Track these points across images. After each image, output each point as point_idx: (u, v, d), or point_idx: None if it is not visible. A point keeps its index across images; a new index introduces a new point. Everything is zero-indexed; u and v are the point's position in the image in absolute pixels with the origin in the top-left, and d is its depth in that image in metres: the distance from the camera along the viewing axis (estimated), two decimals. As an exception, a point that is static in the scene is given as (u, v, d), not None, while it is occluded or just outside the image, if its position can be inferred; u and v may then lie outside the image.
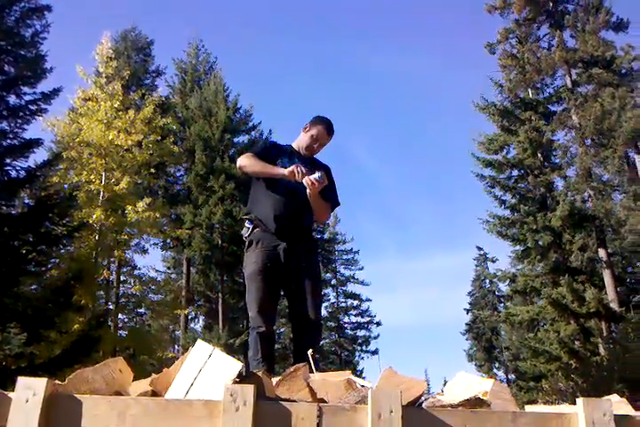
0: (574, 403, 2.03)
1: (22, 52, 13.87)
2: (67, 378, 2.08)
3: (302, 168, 3.61)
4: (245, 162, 3.85)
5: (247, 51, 70.09)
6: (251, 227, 3.75)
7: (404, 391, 1.93)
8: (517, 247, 20.91)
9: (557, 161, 20.93)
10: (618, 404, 2.09)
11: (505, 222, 20.53)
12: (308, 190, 3.64)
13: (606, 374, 16.24)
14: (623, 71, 20.04)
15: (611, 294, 18.16)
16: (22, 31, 13.97)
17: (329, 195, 3.90)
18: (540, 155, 20.55)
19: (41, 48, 14.10)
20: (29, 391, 1.87)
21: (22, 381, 1.89)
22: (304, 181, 3.57)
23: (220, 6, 65.80)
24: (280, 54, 77.06)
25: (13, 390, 1.93)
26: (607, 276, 18.57)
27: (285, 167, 3.71)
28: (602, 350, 17.86)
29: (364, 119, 79.34)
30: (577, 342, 18.14)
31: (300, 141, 3.99)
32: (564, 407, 2.21)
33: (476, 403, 2.07)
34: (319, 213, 3.90)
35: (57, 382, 2.06)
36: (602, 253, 18.89)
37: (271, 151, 3.93)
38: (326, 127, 3.95)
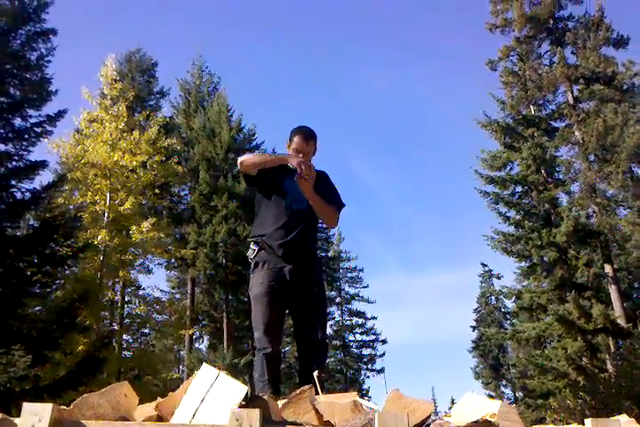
0: (583, 422, 2.01)
1: (28, 75, 14.02)
2: (72, 403, 2.07)
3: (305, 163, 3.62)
4: (245, 156, 3.87)
5: (249, 68, 70.70)
6: (256, 249, 3.75)
7: (410, 414, 1.92)
8: (523, 263, 20.87)
9: (561, 177, 20.94)
10: (626, 424, 2.07)
11: (510, 239, 20.48)
12: (299, 182, 3.62)
13: (614, 391, 16.07)
14: (625, 87, 20.11)
15: (617, 309, 18.05)
16: (28, 54, 14.13)
17: (332, 198, 3.88)
18: (543, 171, 20.57)
19: (46, 71, 14.26)
20: (35, 417, 1.86)
21: (28, 406, 1.89)
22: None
23: (221, 24, 66.46)
24: (280, 72, 77.63)
25: (18, 414, 1.92)
26: (613, 291, 18.47)
27: (288, 190, 3.74)
28: (609, 367, 17.71)
29: (366, 136, 79.71)
30: (584, 359, 17.99)
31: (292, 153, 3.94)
32: (572, 428, 2.19)
33: (484, 425, 2.05)
34: (327, 219, 3.90)
35: (62, 407, 2.05)
36: (608, 268, 18.81)
37: (269, 175, 3.87)
38: (301, 136, 3.87)
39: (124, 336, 19.92)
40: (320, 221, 4.02)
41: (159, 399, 2.26)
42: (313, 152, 3.96)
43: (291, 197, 3.78)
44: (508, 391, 36.97)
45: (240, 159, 3.87)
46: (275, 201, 3.81)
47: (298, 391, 2.16)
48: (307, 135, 3.91)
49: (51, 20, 15.61)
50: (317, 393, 2.65)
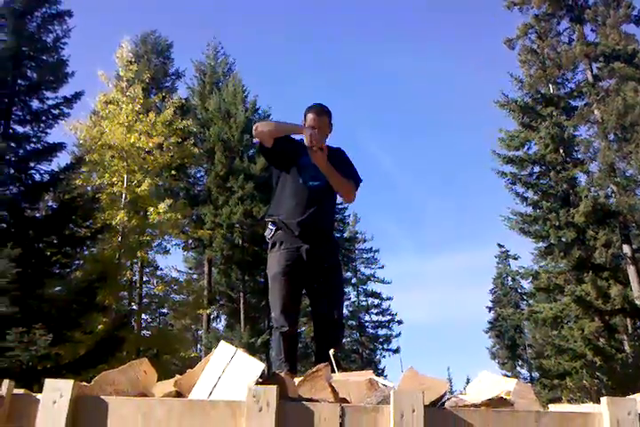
0: (599, 401, 2.02)
1: (44, 58, 14.06)
2: (92, 380, 2.11)
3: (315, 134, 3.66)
4: (260, 123, 3.87)
5: (264, 51, 70.24)
6: (274, 229, 3.76)
7: (426, 391, 1.93)
8: (540, 244, 20.73)
9: (580, 156, 20.69)
10: (643, 403, 2.06)
11: (527, 219, 20.34)
12: (312, 155, 3.66)
13: (631, 371, 16.05)
14: (645, 65, 19.74)
15: (635, 290, 17.93)
16: (44, 37, 14.18)
17: (348, 172, 3.88)
18: (561, 150, 20.33)
19: (62, 53, 14.30)
20: (56, 393, 1.90)
21: (49, 383, 1.93)
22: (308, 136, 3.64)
23: (237, 7, 65.95)
24: (297, 54, 77.07)
25: (39, 391, 1.96)
26: (632, 272, 18.33)
27: (305, 166, 3.75)
28: (627, 347, 17.66)
29: (381, 118, 79.09)
30: (601, 340, 17.94)
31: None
32: (588, 406, 2.19)
33: (499, 403, 2.06)
34: (344, 192, 3.89)
35: (83, 383, 2.09)
36: (626, 248, 18.66)
37: (289, 140, 3.90)
38: (314, 112, 3.88)
39: (143, 316, 20.18)
40: (338, 199, 4.03)
41: (177, 376, 2.30)
42: (329, 128, 3.95)
43: (307, 173, 3.79)
44: (524, 372, 37.00)
45: (254, 127, 3.87)
46: (291, 178, 3.81)
47: (314, 369, 2.18)
48: (319, 111, 3.91)
49: (66, 1, 15.58)
50: (333, 371, 2.68)
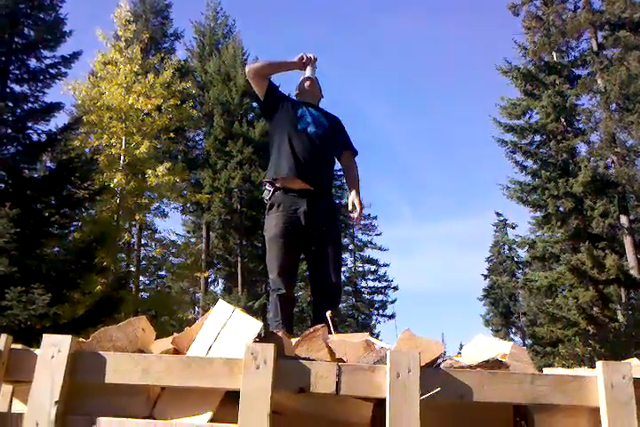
0: (591, 369, 2.03)
1: (42, 16, 13.82)
2: (91, 336, 2.12)
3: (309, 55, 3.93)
4: (252, 63, 3.97)
5: (264, 9, 69.08)
6: (272, 189, 3.75)
7: (422, 353, 1.94)
8: (537, 213, 20.75)
9: (581, 126, 20.53)
10: (637, 367, 2.09)
11: (526, 188, 20.31)
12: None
13: (624, 340, 16.25)
14: (651, 34, 19.45)
15: (631, 260, 18.03)
16: (41, -6, 13.88)
17: (346, 143, 4.08)
18: (563, 120, 20.17)
19: (60, 11, 14.06)
20: (54, 348, 1.91)
21: (47, 338, 1.94)
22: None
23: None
24: (297, 14, 75.80)
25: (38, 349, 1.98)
26: (628, 242, 18.40)
27: (303, 115, 3.83)
28: (620, 317, 17.83)
29: (382, 82, 78.28)
30: (595, 309, 18.10)
31: (302, 95, 4.07)
32: (583, 370, 2.21)
33: (494, 365, 2.08)
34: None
35: (81, 339, 2.10)
36: (623, 219, 18.69)
37: (284, 97, 4.02)
38: (308, 78, 4.02)
39: (141, 278, 20.31)
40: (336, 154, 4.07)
41: (175, 335, 2.31)
42: (320, 93, 4.13)
43: (305, 121, 3.82)
44: (517, 339, 37.43)
45: (247, 67, 3.96)
46: (289, 127, 3.81)
47: (311, 330, 2.20)
48: (313, 78, 4.06)
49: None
50: (330, 332, 2.69)
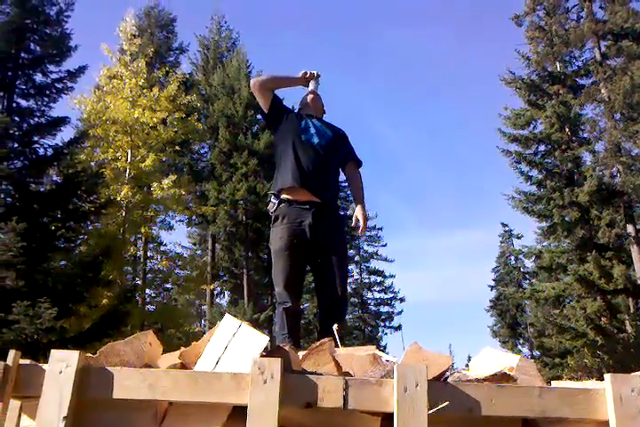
0: (600, 379, 2.02)
1: (47, 31, 13.97)
2: (98, 351, 2.13)
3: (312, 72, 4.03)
4: (257, 76, 4.02)
5: (269, 24, 69.54)
6: (277, 202, 3.75)
7: (429, 366, 1.93)
8: (543, 223, 20.70)
9: (586, 136, 20.51)
10: (646, 379, 2.07)
11: (531, 198, 20.28)
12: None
13: (633, 351, 16.13)
14: (654, 43, 19.47)
15: (638, 270, 17.93)
16: (47, 9, 14.05)
17: (350, 155, 4.08)
18: (567, 129, 20.18)
19: (66, 26, 14.20)
20: (63, 364, 1.91)
21: (55, 353, 1.94)
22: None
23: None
24: (301, 28, 76.29)
25: (45, 363, 1.98)
26: (635, 252, 18.31)
27: (307, 126, 3.86)
28: (629, 327, 17.71)
29: (385, 93, 78.52)
30: (603, 319, 18.00)
31: (305, 109, 4.10)
32: (591, 383, 2.20)
33: (502, 378, 2.07)
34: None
35: (89, 354, 2.11)
36: (630, 228, 18.61)
37: (287, 110, 4.05)
38: (313, 92, 4.08)
39: (147, 291, 20.31)
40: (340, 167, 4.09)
41: (182, 349, 2.31)
42: (323, 109, 4.15)
43: (309, 132, 3.85)
44: (525, 350, 37.18)
45: (252, 81, 4.00)
46: (293, 138, 3.83)
47: (318, 343, 2.19)
48: (317, 94, 4.11)
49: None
50: (337, 346, 2.69)
